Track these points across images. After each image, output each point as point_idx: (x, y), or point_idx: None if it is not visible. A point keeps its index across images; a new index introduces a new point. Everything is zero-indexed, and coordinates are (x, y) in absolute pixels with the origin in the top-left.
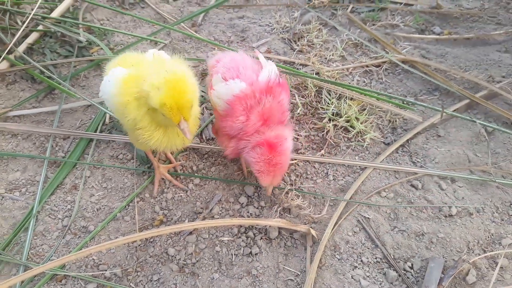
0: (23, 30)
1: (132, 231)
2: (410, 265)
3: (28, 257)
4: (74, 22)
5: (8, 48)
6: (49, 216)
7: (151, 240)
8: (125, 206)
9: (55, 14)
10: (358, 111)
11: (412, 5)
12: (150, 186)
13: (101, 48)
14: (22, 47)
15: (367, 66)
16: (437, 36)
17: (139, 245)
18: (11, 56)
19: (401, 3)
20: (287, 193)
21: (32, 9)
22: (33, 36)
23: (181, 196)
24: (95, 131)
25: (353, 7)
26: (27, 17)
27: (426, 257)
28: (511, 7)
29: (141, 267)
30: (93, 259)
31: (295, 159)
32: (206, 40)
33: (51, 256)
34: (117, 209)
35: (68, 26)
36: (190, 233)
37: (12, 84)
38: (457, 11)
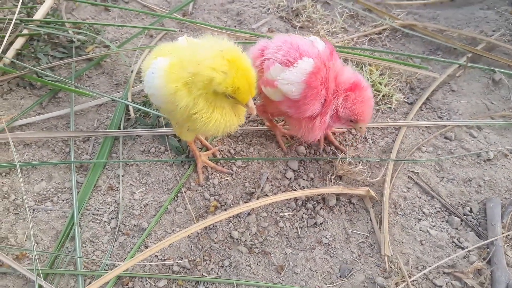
0: (9, 36)
1: (188, 221)
2: (469, 209)
3: (83, 266)
4: (62, 22)
5: None
6: (92, 221)
7: (211, 226)
8: (174, 198)
9: (38, 16)
10: (380, 75)
11: None
12: (194, 175)
13: (97, 46)
14: (10, 54)
15: (370, 34)
16: (424, 1)
17: (200, 234)
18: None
19: None
20: (341, 161)
21: (5, 16)
22: (20, 41)
23: (227, 180)
24: (119, 129)
25: None
26: (8, 22)
27: (480, 199)
28: None
29: (208, 255)
30: (156, 255)
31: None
32: (205, 24)
33: (108, 261)
34: (167, 201)
35: (55, 27)
36: (249, 213)
37: (8, 93)
38: None
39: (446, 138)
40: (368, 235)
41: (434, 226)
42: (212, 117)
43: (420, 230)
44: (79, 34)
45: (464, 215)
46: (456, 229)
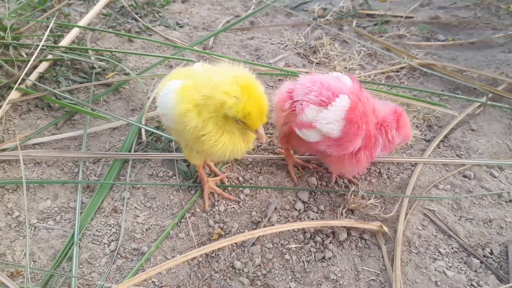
0: (34, 60)
1: (190, 247)
2: (490, 251)
3: (78, 287)
4: (86, 49)
5: (20, 79)
6: (92, 242)
7: (213, 255)
8: (177, 223)
9: (64, 43)
10: None
11: (412, 17)
12: (199, 200)
13: (117, 73)
14: (33, 77)
15: (387, 72)
16: (444, 43)
17: (200, 262)
18: (23, 86)
19: (401, 16)
20: (354, 195)
21: (34, 42)
22: (43, 65)
23: (233, 207)
24: (129, 151)
25: (357, 23)
26: (35, 48)
27: (501, 241)
28: (501, 14)
29: (208, 285)
30: (153, 281)
31: None
32: (225, 56)
33: (103, 284)
34: (170, 226)
35: (78, 53)
36: (253, 244)
37: (26, 113)
38: (454, 20)
39: (464, 176)
40: (379, 272)
41: (451, 267)
42: (220, 140)
43: (435, 270)
44: (101, 61)
45: (484, 257)
46: (475, 271)
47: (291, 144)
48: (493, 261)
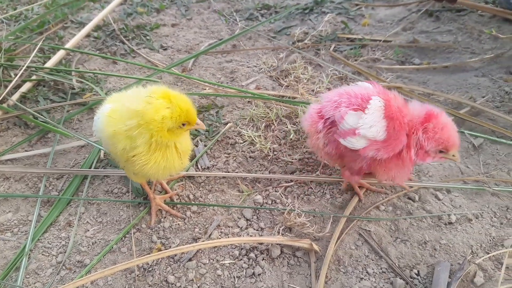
0: (16, 81)
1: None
2: (416, 272)
3: None
4: (68, 70)
5: (1, 98)
6: (42, 254)
7: (150, 269)
8: (122, 238)
9: (49, 64)
10: None
11: (390, 41)
12: (147, 217)
13: (94, 94)
14: (15, 96)
15: None
16: (417, 66)
17: (137, 275)
18: (4, 105)
19: (380, 40)
20: (288, 212)
21: (25, 63)
22: (27, 85)
23: (178, 224)
24: (90, 168)
25: (335, 46)
26: (20, 69)
27: (431, 263)
28: (483, 38)
29: None
30: None
31: (292, 181)
32: (197, 79)
33: None
34: (113, 241)
35: (62, 75)
36: (190, 259)
37: (5, 130)
38: (433, 44)
39: (409, 198)
40: None
41: (376, 287)
42: (150, 159)
43: None
44: (81, 82)
45: (411, 278)
46: None
47: (354, 172)
48: (419, 282)
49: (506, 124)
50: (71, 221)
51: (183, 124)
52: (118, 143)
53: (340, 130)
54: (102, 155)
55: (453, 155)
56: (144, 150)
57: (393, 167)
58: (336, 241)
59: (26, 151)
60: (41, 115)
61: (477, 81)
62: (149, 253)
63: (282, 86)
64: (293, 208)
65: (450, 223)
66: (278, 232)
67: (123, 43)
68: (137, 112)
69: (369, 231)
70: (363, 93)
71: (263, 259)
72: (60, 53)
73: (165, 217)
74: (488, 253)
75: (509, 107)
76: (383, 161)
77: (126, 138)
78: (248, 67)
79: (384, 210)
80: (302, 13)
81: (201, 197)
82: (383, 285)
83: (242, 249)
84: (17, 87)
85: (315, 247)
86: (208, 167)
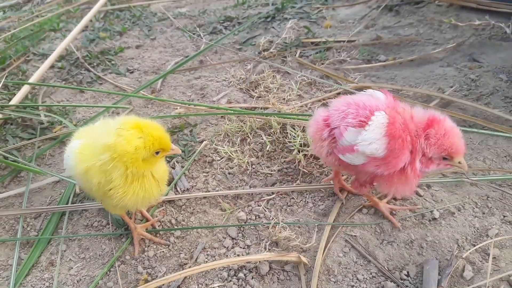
0: None
1: None
2: (406, 273)
3: None
4: (34, 105)
5: None
6: None
7: None
8: (107, 272)
9: (14, 101)
10: None
11: (354, 41)
12: (130, 248)
13: (64, 126)
14: None
15: (323, 99)
16: (384, 63)
17: None
18: None
19: (344, 41)
20: (273, 227)
21: None
22: None
23: (163, 251)
24: (67, 204)
25: (300, 52)
26: None
27: (419, 262)
28: (443, 28)
29: None
30: None
31: (273, 193)
32: (167, 100)
33: None
34: (98, 276)
35: (29, 110)
36: (178, 287)
37: None
38: (396, 39)
39: (392, 198)
40: None
41: None
42: (128, 191)
43: None
44: (49, 116)
45: (401, 279)
46: None
47: (363, 184)
48: (409, 283)
49: (476, 112)
50: (53, 260)
51: (157, 152)
52: (92, 178)
53: (339, 146)
54: (77, 190)
55: (459, 162)
56: (121, 182)
57: (395, 182)
58: (324, 251)
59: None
60: (12, 154)
61: (443, 71)
62: (136, 285)
63: (253, 98)
64: (277, 221)
65: (434, 219)
66: (265, 248)
67: (89, 70)
68: (108, 146)
69: (354, 236)
70: (372, 105)
71: (252, 278)
72: (25, 88)
73: (148, 246)
74: (474, 245)
75: (476, 95)
76: (385, 176)
77: (100, 172)
78: (217, 81)
79: (367, 213)
80: (264, 21)
81: (184, 221)
82: None
83: (230, 269)
84: None
85: (303, 259)
86: (187, 189)
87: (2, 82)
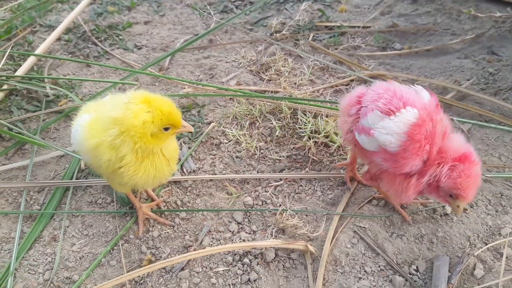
0: None
1: (119, 275)
2: (415, 268)
3: None
4: (40, 77)
5: None
6: (28, 272)
7: (141, 282)
8: (110, 250)
9: (20, 72)
10: (336, 126)
11: (369, 27)
12: (134, 227)
13: (70, 100)
14: None
15: (336, 85)
16: (399, 51)
17: None
18: None
19: (358, 27)
20: (280, 213)
21: None
22: None
23: (168, 232)
24: (71, 179)
25: (313, 36)
26: None
27: (429, 257)
28: (462, 18)
29: None
30: None
31: (281, 179)
32: (175, 79)
33: None
34: (101, 254)
35: (34, 82)
36: (182, 268)
37: None
38: (412, 28)
39: None
40: None
41: (374, 286)
42: (139, 169)
43: None
44: (54, 89)
45: (410, 274)
46: None
47: (374, 178)
48: (418, 278)
49: (493, 107)
50: (56, 235)
51: (167, 128)
52: (103, 155)
53: (359, 124)
54: (82, 165)
55: (458, 206)
56: (132, 160)
57: (396, 184)
58: (331, 240)
59: (3, 164)
60: (16, 126)
61: (460, 63)
62: (140, 265)
63: (263, 81)
64: (285, 208)
65: (446, 214)
66: (271, 235)
67: (96, 44)
68: (117, 120)
69: (363, 227)
70: (409, 99)
71: (257, 264)
72: (31, 60)
73: (153, 226)
74: (486, 244)
75: (494, 89)
76: (389, 173)
77: (111, 149)
78: (227, 62)
79: (377, 204)
80: (277, 2)
81: (189, 203)
82: (382, 284)
83: (235, 254)
84: None
85: (311, 248)
86: (194, 171)
87: (8, 52)
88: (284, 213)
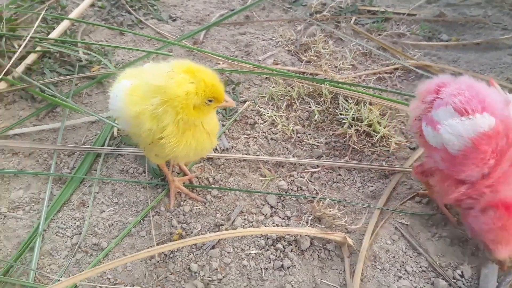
0: (20, 52)
1: (149, 246)
2: (460, 273)
3: (35, 278)
4: (73, 41)
5: (6, 69)
6: (56, 234)
7: (171, 255)
8: (140, 221)
9: (53, 35)
10: (380, 115)
11: (415, 15)
12: (165, 199)
13: (102, 67)
14: (20, 68)
15: (379, 73)
16: (446, 43)
17: (158, 262)
18: (9, 77)
19: (403, 13)
20: (318, 202)
21: (28, 34)
22: (32, 57)
23: (199, 208)
24: (102, 146)
25: (356, 19)
26: (24, 39)
27: (475, 264)
28: None
29: (161, 285)
30: (108, 278)
31: (318, 166)
32: (211, 53)
33: (61, 277)
34: (132, 224)
35: (67, 46)
36: (213, 247)
37: (11, 104)
38: (461, 19)
39: None
40: (338, 287)
41: (416, 287)
42: (181, 141)
43: None
44: (88, 54)
45: (454, 279)
46: None
47: (425, 174)
48: (463, 284)
49: None
50: (85, 200)
51: (210, 101)
52: (144, 123)
53: (429, 114)
54: (115, 133)
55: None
56: (173, 131)
57: (445, 186)
58: (371, 235)
59: (34, 125)
60: (49, 88)
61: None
62: (170, 238)
63: (302, 62)
64: (323, 197)
65: None
66: (307, 222)
67: (130, 13)
68: (159, 88)
69: (405, 224)
70: (490, 106)
71: (291, 251)
72: (65, 24)
73: (184, 201)
74: None
75: None
76: (443, 173)
77: (153, 118)
78: (263, 40)
79: (420, 202)
80: None
81: (221, 181)
82: (424, 286)
83: (268, 238)
84: (21, 58)
85: (349, 241)
86: (227, 149)
87: (42, 14)
88: (321, 202)
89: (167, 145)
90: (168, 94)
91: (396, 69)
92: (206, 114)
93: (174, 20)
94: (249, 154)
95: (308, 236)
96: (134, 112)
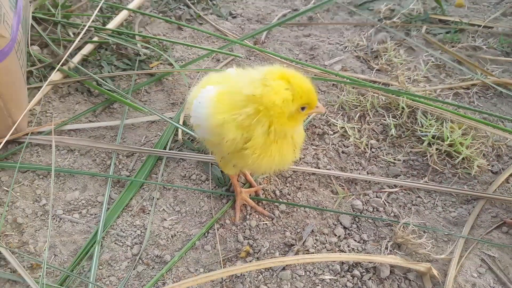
0: (79, 41)
1: (215, 262)
2: None
3: None
4: (131, 33)
5: (63, 59)
6: (115, 243)
7: (238, 275)
8: (205, 233)
9: (111, 26)
10: (462, 135)
11: (491, 27)
12: (230, 211)
13: (161, 63)
14: (76, 59)
15: (456, 88)
16: None
17: (224, 281)
18: (65, 68)
19: (479, 25)
20: (401, 227)
21: (83, 22)
22: (88, 47)
23: (266, 224)
24: (164, 149)
25: (427, 28)
26: (82, 28)
27: None
28: None
29: None
30: None
31: (396, 186)
32: (275, 54)
33: None
34: (196, 236)
35: (125, 38)
36: (284, 268)
37: (66, 96)
38: None
39: None
40: None
41: None
42: (266, 152)
43: None
44: (146, 48)
45: None
46: None
47: None
48: None
49: None
50: (145, 207)
51: (302, 108)
52: (228, 133)
53: None
54: (180, 136)
55: None
56: (260, 142)
57: None
58: (456, 266)
59: (90, 121)
60: (106, 82)
61: None
62: (236, 255)
63: (372, 70)
64: (407, 222)
65: None
66: (386, 249)
67: (188, 7)
68: (254, 98)
69: (493, 256)
70: None
71: (369, 279)
72: (123, 14)
73: (250, 214)
74: None
75: None
76: None
77: (239, 128)
78: (330, 43)
79: (507, 232)
80: None
81: (289, 195)
82: None
83: (343, 263)
84: (77, 48)
85: (434, 271)
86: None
87: (101, 3)
88: (404, 227)
89: (251, 157)
90: (265, 103)
91: (474, 85)
92: (299, 123)
93: (234, 17)
94: (319, 168)
95: (388, 264)
96: (219, 120)
